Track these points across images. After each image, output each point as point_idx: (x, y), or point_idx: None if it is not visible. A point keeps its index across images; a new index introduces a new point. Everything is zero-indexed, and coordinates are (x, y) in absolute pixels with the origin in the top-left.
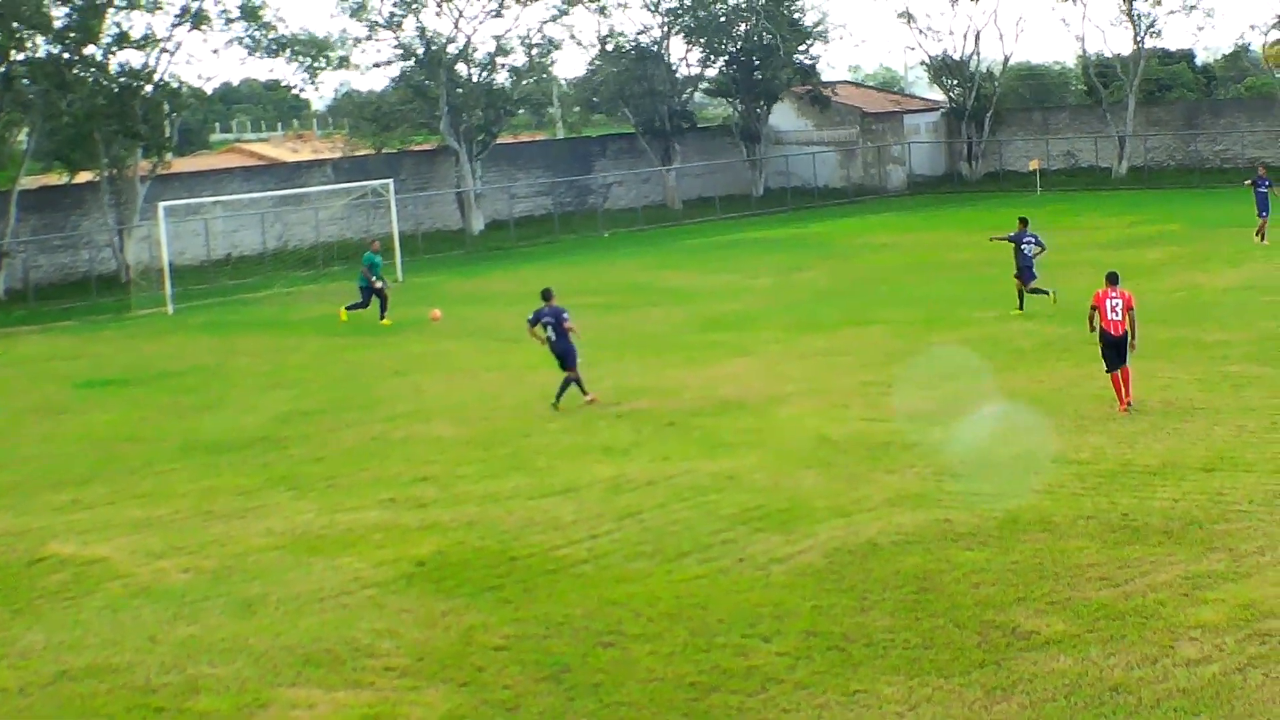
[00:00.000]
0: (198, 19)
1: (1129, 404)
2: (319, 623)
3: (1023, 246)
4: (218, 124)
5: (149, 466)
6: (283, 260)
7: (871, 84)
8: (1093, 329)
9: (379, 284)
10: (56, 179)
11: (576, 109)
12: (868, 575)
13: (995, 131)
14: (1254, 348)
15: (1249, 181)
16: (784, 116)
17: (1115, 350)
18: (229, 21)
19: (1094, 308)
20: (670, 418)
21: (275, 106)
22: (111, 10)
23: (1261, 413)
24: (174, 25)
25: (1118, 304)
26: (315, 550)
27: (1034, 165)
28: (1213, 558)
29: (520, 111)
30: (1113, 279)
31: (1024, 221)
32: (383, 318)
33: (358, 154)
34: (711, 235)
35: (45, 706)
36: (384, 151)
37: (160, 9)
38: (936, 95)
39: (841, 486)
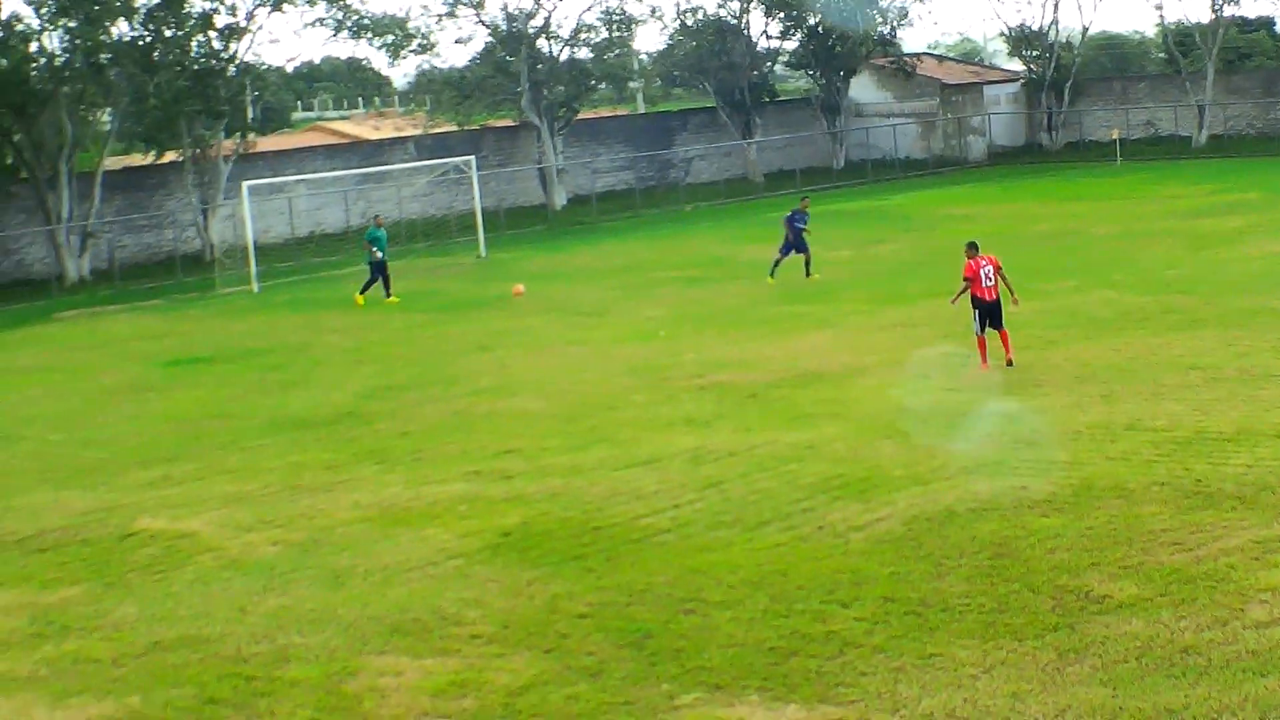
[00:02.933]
0: (279, 1)
1: (1010, 361)
2: (406, 593)
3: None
4: (299, 102)
5: (236, 443)
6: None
7: (951, 55)
8: (954, 302)
9: (379, 256)
10: (141, 160)
11: (657, 83)
12: (944, 542)
13: (1075, 101)
14: None
15: None
16: (864, 89)
17: (993, 315)
18: (311, 3)
19: (968, 279)
20: (751, 389)
21: (357, 84)
22: None
23: None
24: (255, 6)
25: (989, 270)
26: (402, 522)
27: (1114, 135)
28: None
29: (602, 86)
30: (974, 248)
31: (804, 200)
32: (387, 295)
33: (439, 130)
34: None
35: (139, 676)
36: (465, 128)
37: None
38: (1016, 66)
39: (919, 455)
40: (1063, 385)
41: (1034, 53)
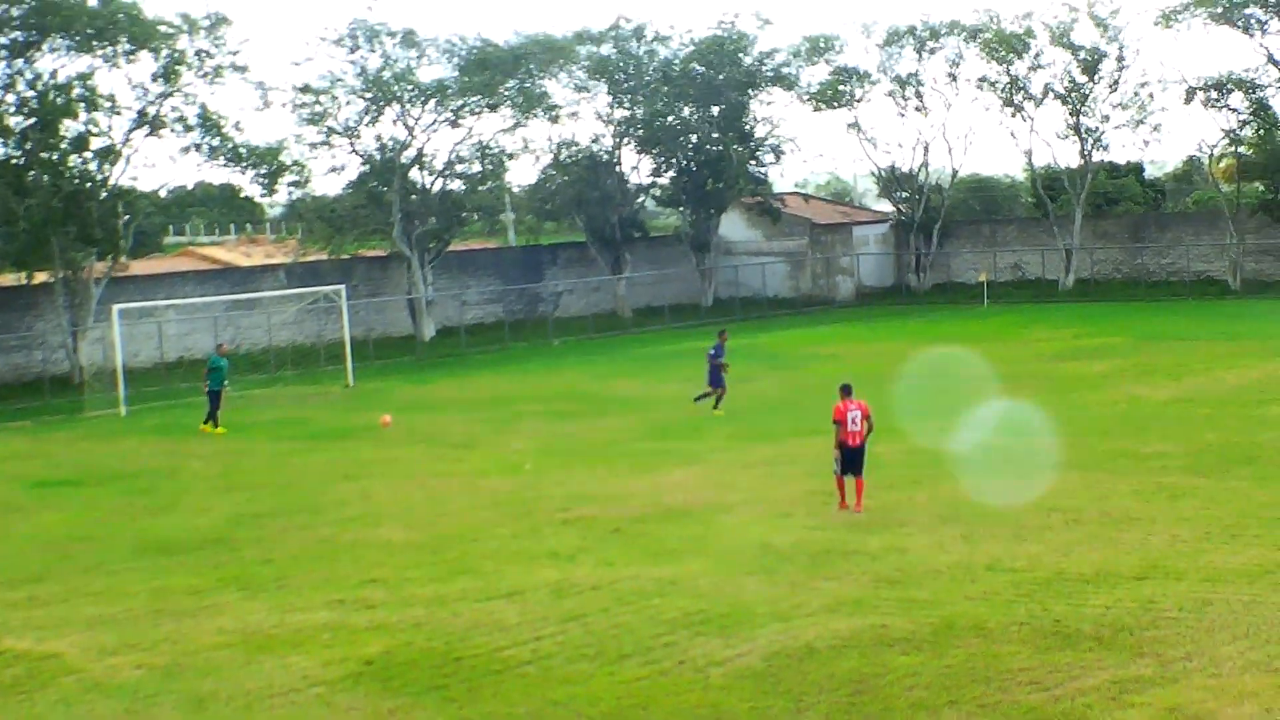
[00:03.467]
0: (155, 125)
1: (860, 510)
2: (268, 719)
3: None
4: (170, 227)
5: (102, 565)
6: (235, 364)
7: (821, 195)
8: (838, 444)
9: (211, 387)
10: (11, 280)
11: (529, 216)
12: (804, 678)
13: (943, 243)
14: (1191, 459)
15: None
16: (734, 226)
17: (853, 461)
18: (186, 129)
19: (837, 422)
20: (616, 524)
21: (230, 210)
22: (69, 119)
23: (1195, 523)
24: (131, 129)
25: (857, 415)
26: (265, 649)
27: (982, 277)
28: (1141, 663)
29: (474, 219)
30: (847, 391)
31: (722, 334)
32: (207, 421)
33: (310, 259)
34: (661, 344)
35: None
36: (337, 257)
37: (118, 114)
38: (886, 207)
39: (782, 592)
40: (925, 525)
41: (903, 194)
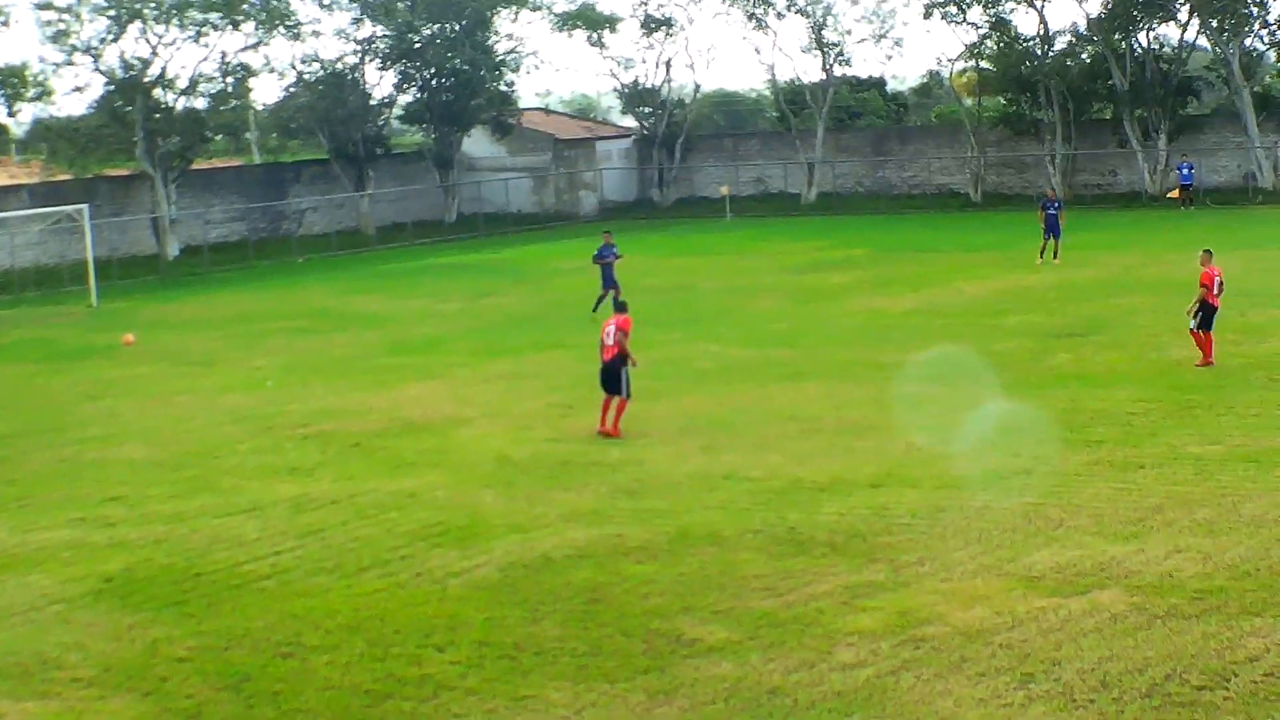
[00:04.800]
0: None
1: (614, 433)
2: (8, 637)
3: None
4: None
5: None
6: None
7: (566, 111)
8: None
9: None
10: None
11: (273, 135)
12: (540, 588)
13: (686, 158)
14: (929, 368)
15: (1040, 205)
16: (479, 143)
17: (606, 378)
18: None
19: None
20: (355, 439)
21: None
22: None
23: (931, 430)
24: None
25: (610, 329)
26: (5, 568)
27: (724, 191)
28: (873, 568)
29: (218, 138)
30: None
31: (607, 234)
32: None
33: (55, 179)
34: (404, 261)
35: None
36: (81, 177)
37: None
38: (631, 123)
39: (520, 504)
40: (665, 437)
41: (647, 110)
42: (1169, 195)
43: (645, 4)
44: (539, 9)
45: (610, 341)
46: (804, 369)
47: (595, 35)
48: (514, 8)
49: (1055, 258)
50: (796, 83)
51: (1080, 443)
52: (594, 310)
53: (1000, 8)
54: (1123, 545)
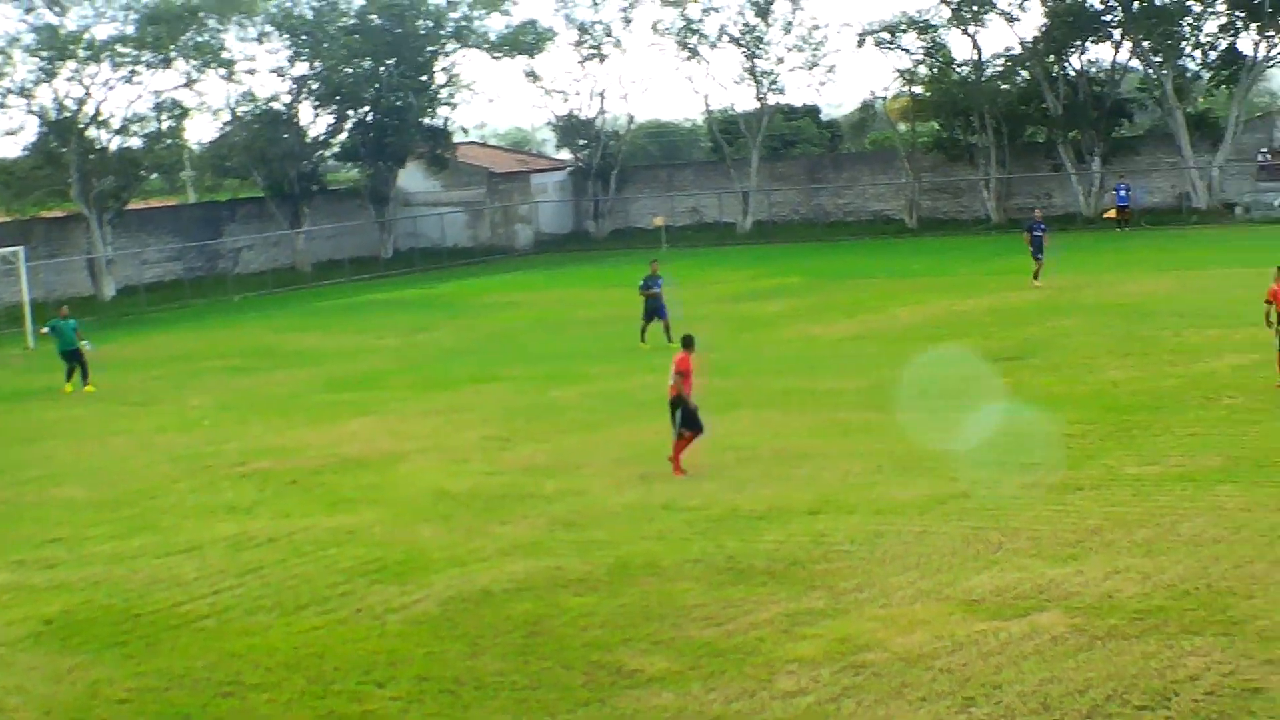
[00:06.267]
0: None
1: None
2: None
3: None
4: None
5: None
6: None
7: (501, 144)
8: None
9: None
10: None
11: (209, 174)
12: (480, 622)
13: (621, 189)
14: (863, 395)
15: (1027, 228)
16: (413, 178)
17: (677, 413)
18: None
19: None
20: (293, 476)
21: None
22: None
23: (867, 457)
24: None
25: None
26: None
27: (658, 222)
28: (813, 595)
29: (152, 177)
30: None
31: (653, 263)
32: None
33: None
34: (340, 297)
35: None
36: (16, 219)
37: None
38: (566, 155)
39: (458, 538)
40: (602, 468)
41: (581, 141)
42: (1105, 215)
43: (582, 29)
44: (475, 46)
45: (671, 381)
46: (739, 398)
47: (529, 65)
48: (455, 45)
49: (1036, 279)
50: (730, 112)
51: (1017, 466)
52: (642, 339)
53: (935, 33)
54: (1062, 567)
